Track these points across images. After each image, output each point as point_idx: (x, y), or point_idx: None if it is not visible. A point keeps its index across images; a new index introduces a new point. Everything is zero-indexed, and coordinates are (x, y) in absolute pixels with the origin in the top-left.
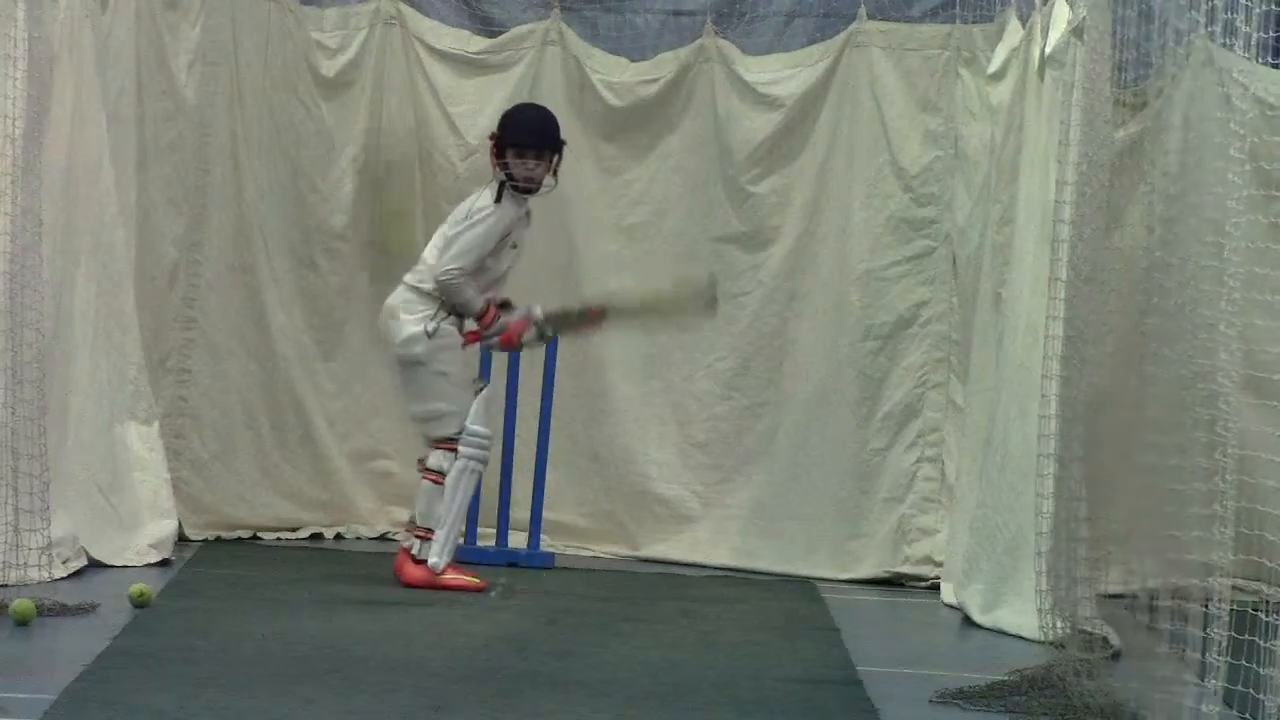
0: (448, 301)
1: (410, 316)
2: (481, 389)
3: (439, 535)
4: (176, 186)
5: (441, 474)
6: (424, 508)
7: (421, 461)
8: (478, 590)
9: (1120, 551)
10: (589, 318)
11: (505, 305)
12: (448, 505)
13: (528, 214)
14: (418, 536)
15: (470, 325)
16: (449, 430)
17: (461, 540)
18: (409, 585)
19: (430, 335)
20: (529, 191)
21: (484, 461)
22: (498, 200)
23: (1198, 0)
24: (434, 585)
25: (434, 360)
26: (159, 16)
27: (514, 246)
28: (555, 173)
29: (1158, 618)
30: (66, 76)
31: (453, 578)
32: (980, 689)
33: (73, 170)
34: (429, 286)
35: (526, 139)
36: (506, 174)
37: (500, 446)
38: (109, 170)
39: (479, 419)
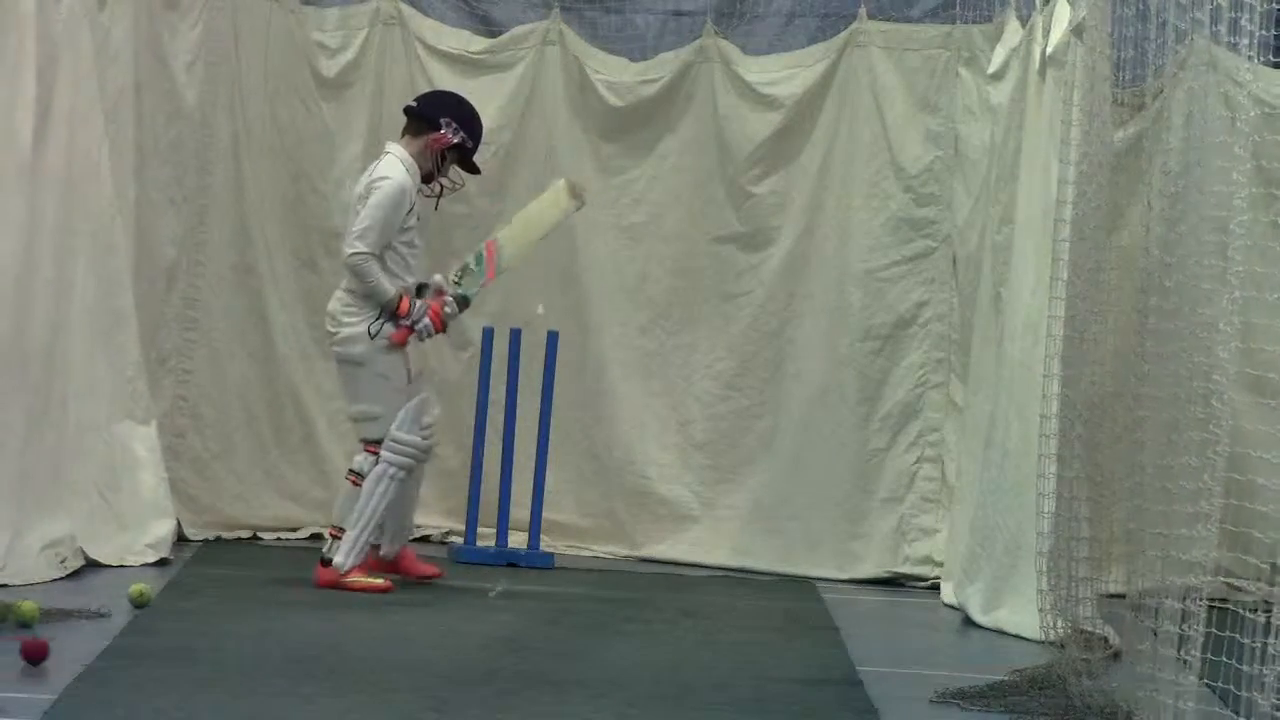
0: (361, 291)
1: (351, 319)
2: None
3: (348, 536)
4: (176, 187)
5: (361, 475)
6: (340, 508)
7: None
8: (382, 591)
9: (1120, 551)
10: (487, 258)
11: (421, 289)
12: (361, 508)
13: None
14: (332, 536)
15: (399, 323)
16: (378, 434)
17: (460, 539)
18: (319, 587)
19: (373, 336)
20: (430, 184)
21: (408, 469)
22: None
23: (1201, 0)
24: (339, 585)
25: (374, 362)
26: (158, 17)
27: (418, 218)
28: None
29: (1148, 615)
30: (66, 76)
31: (357, 580)
32: (980, 689)
33: (72, 170)
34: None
35: (474, 164)
36: (437, 167)
37: (500, 446)
38: (108, 170)
39: (405, 426)
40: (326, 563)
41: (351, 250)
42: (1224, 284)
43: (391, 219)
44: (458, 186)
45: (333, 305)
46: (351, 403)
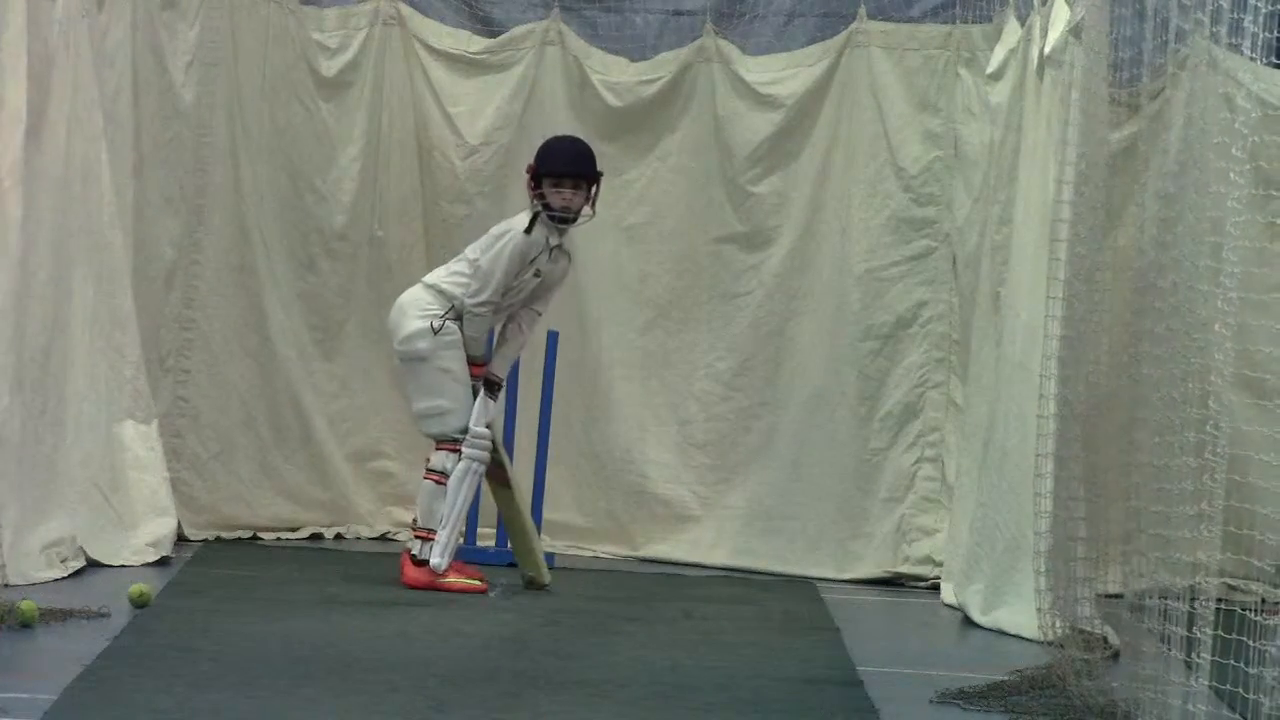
0: (461, 318)
1: (418, 313)
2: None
3: (441, 536)
4: (175, 187)
5: (443, 474)
6: (425, 508)
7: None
8: (479, 591)
9: (1119, 551)
10: (496, 474)
11: (498, 385)
12: (450, 506)
13: (560, 247)
14: (419, 537)
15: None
16: (449, 428)
17: (462, 540)
18: (411, 586)
19: (436, 331)
20: (565, 221)
21: (485, 462)
22: (528, 230)
23: (1202, 0)
24: (435, 586)
25: (437, 357)
26: (156, 16)
27: (536, 275)
28: (593, 203)
29: (1147, 617)
30: (64, 77)
31: (455, 580)
32: (980, 689)
33: (70, 171)
34: (445, 286)
35: (563, 167)
36: (543, 204)
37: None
38: (106, 171)
39: (481, 420)
40: (419, 562)
41: (476, 301)
42: (1219, 285)
43: (510, 270)
44: (573, 215)
45: (405, 297)
46: (417, 400)
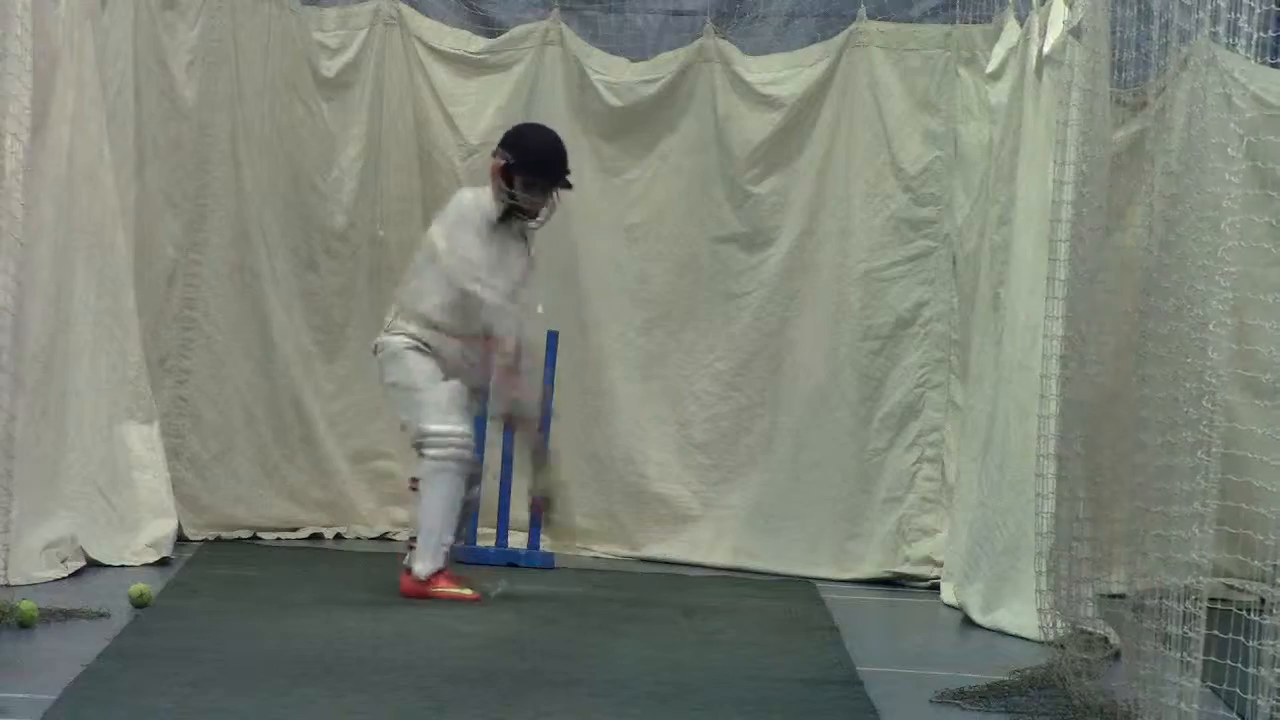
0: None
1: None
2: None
3: (420, 542)
4: (176, 187)
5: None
6: (411, 517)
7: None
8: (471, 601)
9: (1121, 551)
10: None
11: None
12: (423, 510)
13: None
14: (409, 547)
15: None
16: (412, 437)
17: (461, 542)
18: (403, 595)
19: (376, 352)
20: (530, 216)
21: (457, 459)
22: (503, 219)
23: (1202, 0)
24: (426, 595)
25: (384, 374)
26: (157, 16)
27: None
28: (557, 201)
29: (1149, 617)
30: (67, 76)
31: (444, 589)
32: (980, 689)
33: (72, 170)
34: (388, 319)
35: (542, 175)
36: (512, 201)
37: (500, 447)
38: (109, 170)
39: (435, 418)
40: (409, 571)
41: (490, 293)
42: (1216, 285)
43: (459, 234)
44: (535, 214)
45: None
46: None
